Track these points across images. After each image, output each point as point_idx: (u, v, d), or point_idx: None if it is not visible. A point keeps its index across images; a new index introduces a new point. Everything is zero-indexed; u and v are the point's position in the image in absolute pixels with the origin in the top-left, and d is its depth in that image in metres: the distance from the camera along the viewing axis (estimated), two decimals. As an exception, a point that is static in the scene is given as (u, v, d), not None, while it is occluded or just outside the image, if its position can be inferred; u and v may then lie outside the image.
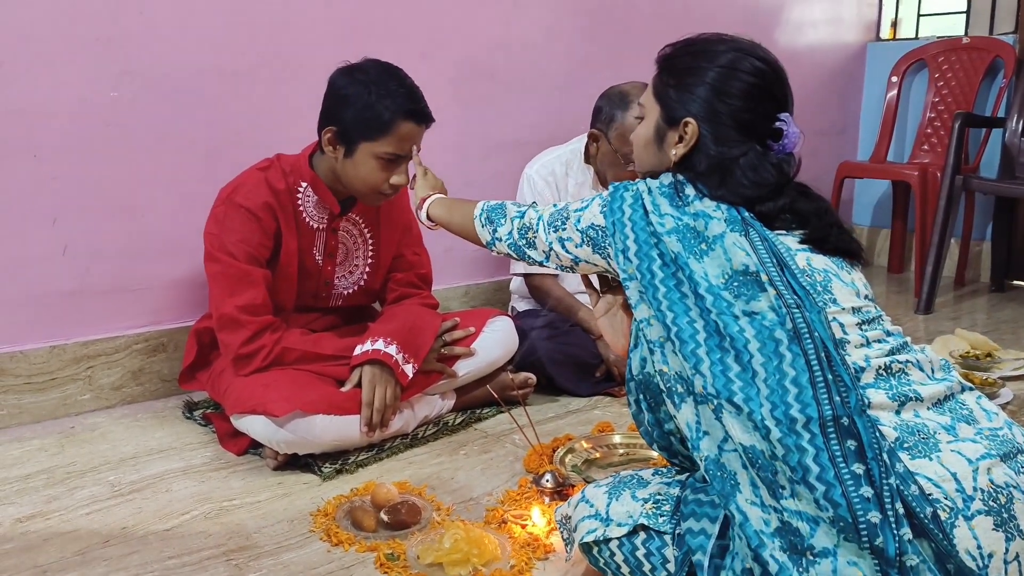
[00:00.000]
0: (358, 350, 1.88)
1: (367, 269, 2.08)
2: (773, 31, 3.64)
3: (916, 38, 3.93)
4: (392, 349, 1.87)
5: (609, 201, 1.30)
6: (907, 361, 1.13)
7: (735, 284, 1.14)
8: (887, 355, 1.13)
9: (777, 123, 1.25)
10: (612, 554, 1.27)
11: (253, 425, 1.76)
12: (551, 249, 1.37)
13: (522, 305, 2.54)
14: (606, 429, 1.97)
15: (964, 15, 3.83)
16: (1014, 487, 1.04)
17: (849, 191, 4.04)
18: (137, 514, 1.61)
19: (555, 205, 1.40)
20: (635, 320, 1.25)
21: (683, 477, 1.30)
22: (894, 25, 4.08)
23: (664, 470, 1.36)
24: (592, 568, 1.34)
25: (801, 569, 1.04)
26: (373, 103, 1.78)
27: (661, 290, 1.19)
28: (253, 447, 1.87)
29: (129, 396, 2.19)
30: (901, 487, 1.01)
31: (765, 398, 1.08)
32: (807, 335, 1.09)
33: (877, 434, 1.04)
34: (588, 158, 2.42)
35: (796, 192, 1.24)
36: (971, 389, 1.17)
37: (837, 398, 1.06)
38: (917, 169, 3.48)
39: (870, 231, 4.09)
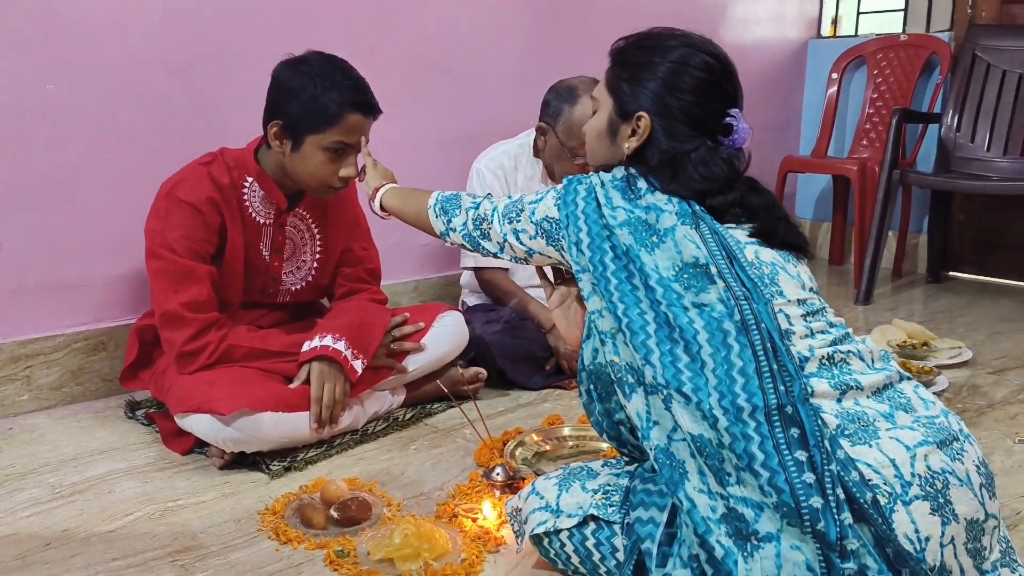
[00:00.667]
0: (306, 346, 1.86)
1: (315, 264, 2.06)
2: (719, 27, 3.69)
3: (856, 35, 4.02)
4: (341, 345, 1.86)
5: (563, 194, 1.31)
6: (849, 351, 1.16)
7: (685, 276, 1.17)
8: (830, 345, 1.16)
9: (727, 119, 1.27)
10: (562, 545, 1.28)
11: (198, 424, 1.74)
12: (505, 241, 1.38)
13: (472, 299, 2.54)
14: (556, 422, 1.99)
15: (902, 13, 3.92)
16: (950, 473, 1.08)
17: (792, 185, 4.13)
18: (79, 516, 1.57)
19: (510, 197, 1.41)
20: (588, 311, 1.26)
21: (632, 468, 1.32)
22: (834, 22, 4.17)
23: (613, 461, 1.38)
24: (543, 560, 1.36)
25: (746, 553, 1.06)
26: (319, 95, 1.76)
27: (612, 282, 1.21)
28: (198, 446, 1.84)
29: (69, 396, 2.14)
30: (842, 473, 1.04)
31: (713, 388, 1.10)
32: (754, 326, 1.12)
33: (819, 422, 1.07)
34: (537, 152, 2.43)
35: (746, 187, 1.27)
36: (909, 378, 1.21)
37: (782, 387, 1.08)
38: (856, 164, 3.57)
39: (812, 224, 4.18)
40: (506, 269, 2.48)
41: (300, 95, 1.77)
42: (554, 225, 1.31)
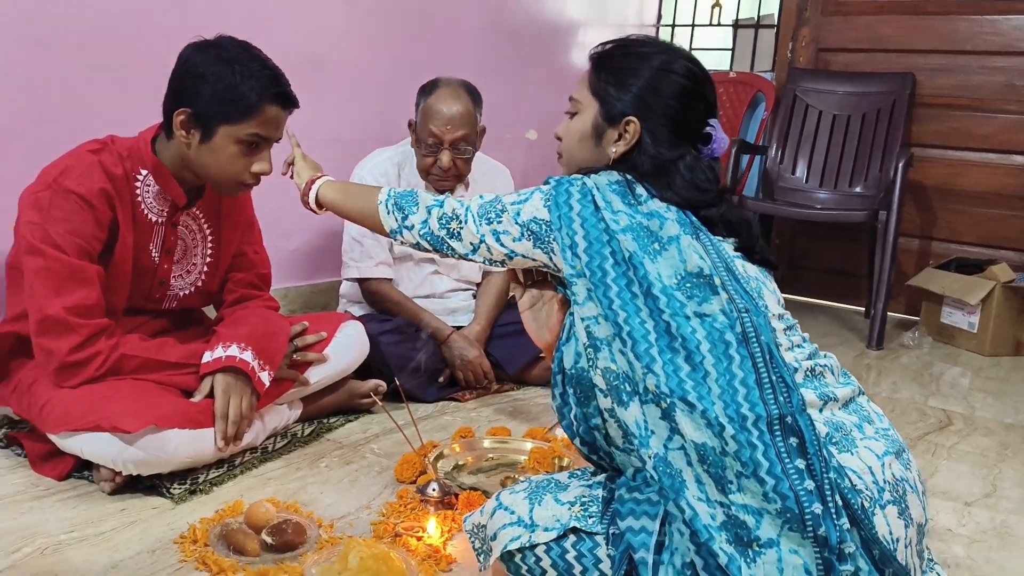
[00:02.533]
0: (207, 357, 1.70)
1: (205, 269, 1.89)
2: (569, 51, 3.81)
3: (688, 69, 4.30)
4: (248, 355, 1.72)
5: (553, 195, 1.28)
6: (824, 365, 1.23)
7: (688, 285, 1.18)
8: (808, 358, 1.22)
9: (707, 128, 1.31)
10: (538, 559, 1.25)
11: (92, 444, 1.53)
12: (482, 242, 1.33)
13: (356, 310, 2.44)
14: (468, 434, 1.95)
15: (730, 52, 4.26)
16: (905, 481, 1.18)
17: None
18: (-48, 557, 1.34)
19: (482, 196, 1.36)
20: (574, 315, 1.24)
21: (601, 478, 1.31)
22: (668, 56, 4.44)
23: (579, 472, 1.36)
24: (498, 577, 1.32)
25: (748, 559, 1.09)
26: (236, 84, 1.62)
27: (613, 289, 1.20)
28: (78, 469, 1.63)
29: None
30: (838, 480, 1.10)
31: (717, 397, 1.12)
32: (754, 338, 1.16)
33: (815, 431, 1.13)
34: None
35: (727, 201, 1.31)
36: (862, 392, 1.29)
37: (781, 398, 1.12)
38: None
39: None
40: (391, 279, 2.41)
41: (214, 82, 1.62)
42: (544, 227, 1.28)
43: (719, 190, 1.30)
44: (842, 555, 1.07)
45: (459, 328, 2.37)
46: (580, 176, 1.30)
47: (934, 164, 3.66)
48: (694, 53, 1.38)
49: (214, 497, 1.61)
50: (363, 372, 2.12)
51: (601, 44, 1.36)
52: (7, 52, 1.88)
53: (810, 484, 1.08)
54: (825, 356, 1.27)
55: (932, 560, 1.30)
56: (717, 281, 1.19)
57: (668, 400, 1.14)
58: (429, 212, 1.38)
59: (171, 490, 1.59)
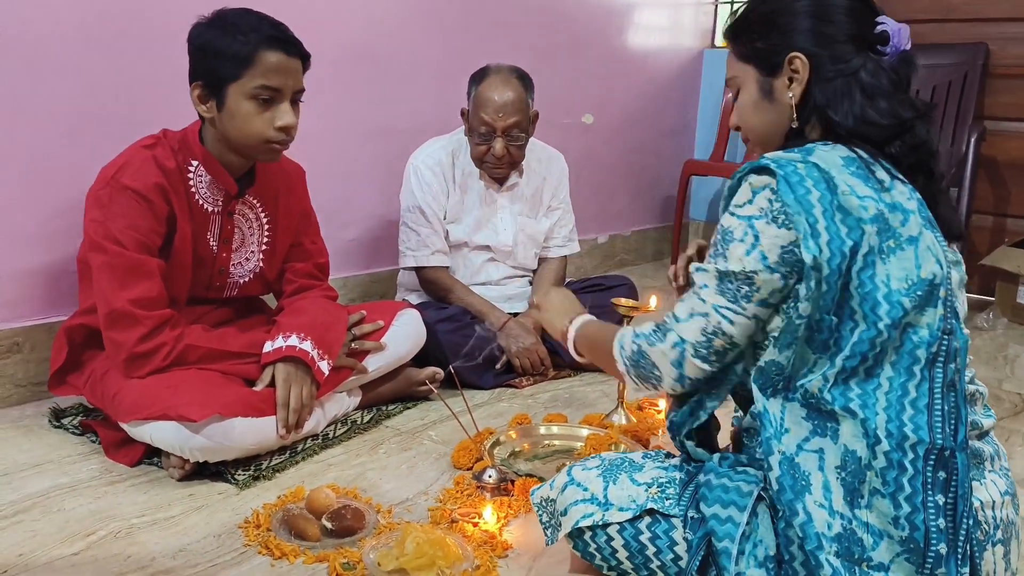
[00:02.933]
0: (268, 347, 1.75)
1: (262, 256, 1.93)
2: (623, 33, 3.76)
3: (746, 46, 4.21)
4: (307, 345, 1.75)
5: (783, 175, 1.10)
6: (981, 393, 1.20)
7: (918, 293, 1.08)
8: (970, 383, 1.18)
9: (878, 27, 1.19)
10: (610, 539, 1.24)
11: (159, 432, 1.59)
12: (754, 317, 1.16)
13: (413, 298, 2.47)
14: (524, 421, 1.95)
15: (791, 28, 4.15)
16: (1014, 525, 1.15)
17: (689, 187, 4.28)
18: (32, 539, 1.40)
19: (703, 285, 1.17)
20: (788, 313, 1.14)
21: (677, 460, 1.29)
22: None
23: (652, 453, 1.34)
24: (554, 560, 1.31)
25: None
26: (231, 41, 1.63)
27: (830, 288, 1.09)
28: (148, 456, 1.69)
29: (-23, 405, 1.91)
30: (972, 529, 1.07)
31: (883, 409, 1.07)
32: (942, 363, 1.08)
33: (968, 472, 1.08)
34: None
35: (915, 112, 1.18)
36: (994, 427, 1.23)
37: (949, 429, 1.07)
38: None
39: (706, 225, 4.35)
40: (447, 267, 2.43)
41: (214, 46, 1.64)
42: (774, 223, 1.11)
43: (904, 90, 1.17)
44: None
45: (515, 315, 2.37)
46: (796, 155, 1.13)
47: (1009, 138, 3.52)
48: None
49: (277, 483, 1.65)
50: (420, 360, 2.14)
51: (733, 14, 1.30)
52: (61, 47, 1.93)
53: (942, 523, 1.05)
54: (980, 384, 1.22)
55: None
56: (942, 293, 1.10)
57: (828, 406, 1.09)
58: (679, 345, 1.19)
59: (236, 476, 1.63)
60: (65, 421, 1.85)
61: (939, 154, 1.21)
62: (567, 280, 2.64)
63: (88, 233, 1.68)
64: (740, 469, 1.19)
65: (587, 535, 1.25)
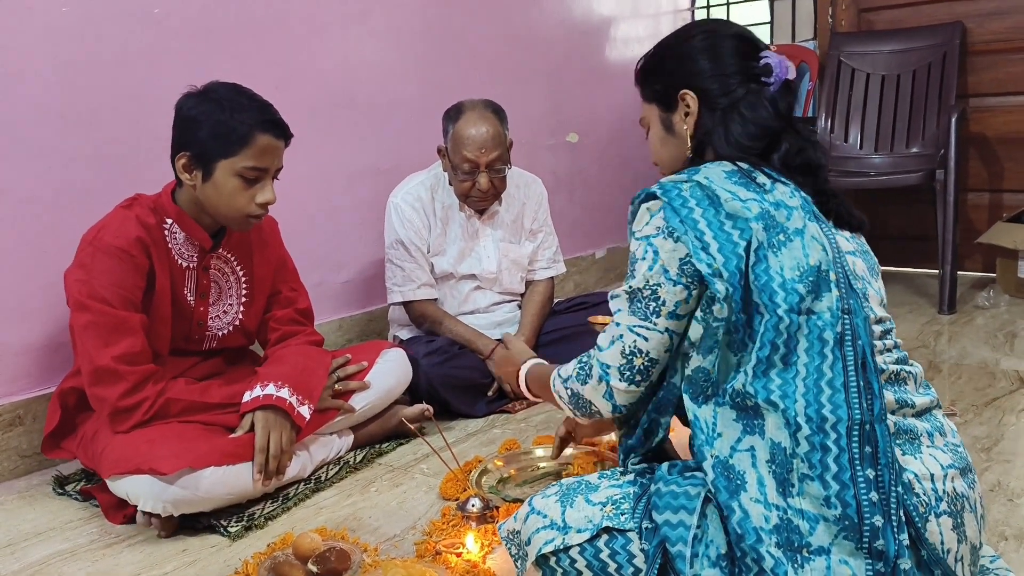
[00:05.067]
0: (247, 396, 1.79)
1: (241, 308, 1.98)
2: (602, 50, 3.80)
3: (728, 49, 4.23)
4: (284, 392, 1.79)
5: (668, 201, 1.19)
6: (909, 372, 1.22)
7: (810, 279, 1.14)
8: (895, 363, 1.20)
9: (761, 60, 1.29)
10: (573, 561, 1.25)
11: (136, 486, 1.63)
12: (667, 331, 1.22)
13: (404, 333, 2.51)
14: (513, 447, 1.98)
15: (768, 25, 4.17)
16: (966, 498, 1.15)
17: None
18: (30, 607, 1.45)
19: (617, 308, 1.25)
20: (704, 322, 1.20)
21: (631, 476, 1.32)
22: (707, 37, 4.38)
23: (608, 472, 1.37)
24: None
25: (796, 565, 1.08)
26: (226, 119, 1.70)
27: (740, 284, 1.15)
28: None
29: (-16, 479, 1.97)
30: (904, 496, 1.09)
31: (801, 395, 1.11)
32: (850, 341, 1.13)
33: (889, 442, 1.10)
34: (449, 179, 2.44)
35: (798, 134, 1.27)
36: (939, 406, 1.26)
37: (865, 404, 1.10)
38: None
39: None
40: (435, 299, 2.47)
41: (206, 121, 1.70)
42: (670, 236, 1.19)
43: (787, 121, 1.27)
44: (896, 570, 1.06)
45: (504, 341, 2.40)
46: (683, 176, 1.24)
47: (994, 113, 3.50)
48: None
49: (268, 531, 1.69)
50: (412, 396, 2.18)
51: (638, 62, 1.41)
52: (40, 127, 2.01)
53: (874, 495, 1.07)
54: (911, 364, 1.24)
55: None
56: (833, 277, 1.15)
57: (752, 400, 1.13)
58: (604, 377, 1.26)
59: (228, 528, 1.67)
60: (68, 488, 1.91)
61: (822, 157, 1.28)
62: (555, 300, 2.67)
63: (72, 293, 1.74)
64: (688, 474, 1.21)
65: (551, 560, 1.27)
